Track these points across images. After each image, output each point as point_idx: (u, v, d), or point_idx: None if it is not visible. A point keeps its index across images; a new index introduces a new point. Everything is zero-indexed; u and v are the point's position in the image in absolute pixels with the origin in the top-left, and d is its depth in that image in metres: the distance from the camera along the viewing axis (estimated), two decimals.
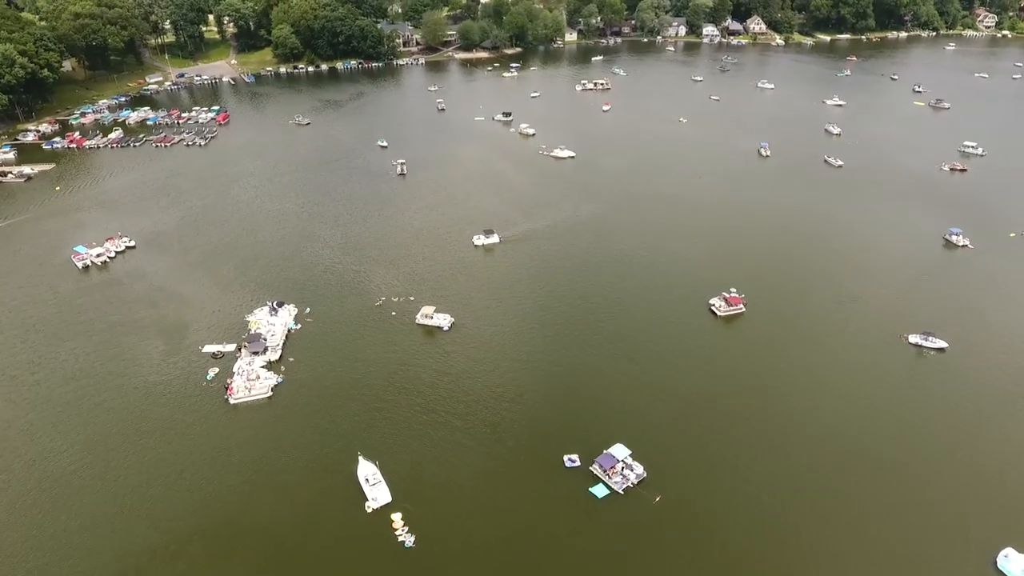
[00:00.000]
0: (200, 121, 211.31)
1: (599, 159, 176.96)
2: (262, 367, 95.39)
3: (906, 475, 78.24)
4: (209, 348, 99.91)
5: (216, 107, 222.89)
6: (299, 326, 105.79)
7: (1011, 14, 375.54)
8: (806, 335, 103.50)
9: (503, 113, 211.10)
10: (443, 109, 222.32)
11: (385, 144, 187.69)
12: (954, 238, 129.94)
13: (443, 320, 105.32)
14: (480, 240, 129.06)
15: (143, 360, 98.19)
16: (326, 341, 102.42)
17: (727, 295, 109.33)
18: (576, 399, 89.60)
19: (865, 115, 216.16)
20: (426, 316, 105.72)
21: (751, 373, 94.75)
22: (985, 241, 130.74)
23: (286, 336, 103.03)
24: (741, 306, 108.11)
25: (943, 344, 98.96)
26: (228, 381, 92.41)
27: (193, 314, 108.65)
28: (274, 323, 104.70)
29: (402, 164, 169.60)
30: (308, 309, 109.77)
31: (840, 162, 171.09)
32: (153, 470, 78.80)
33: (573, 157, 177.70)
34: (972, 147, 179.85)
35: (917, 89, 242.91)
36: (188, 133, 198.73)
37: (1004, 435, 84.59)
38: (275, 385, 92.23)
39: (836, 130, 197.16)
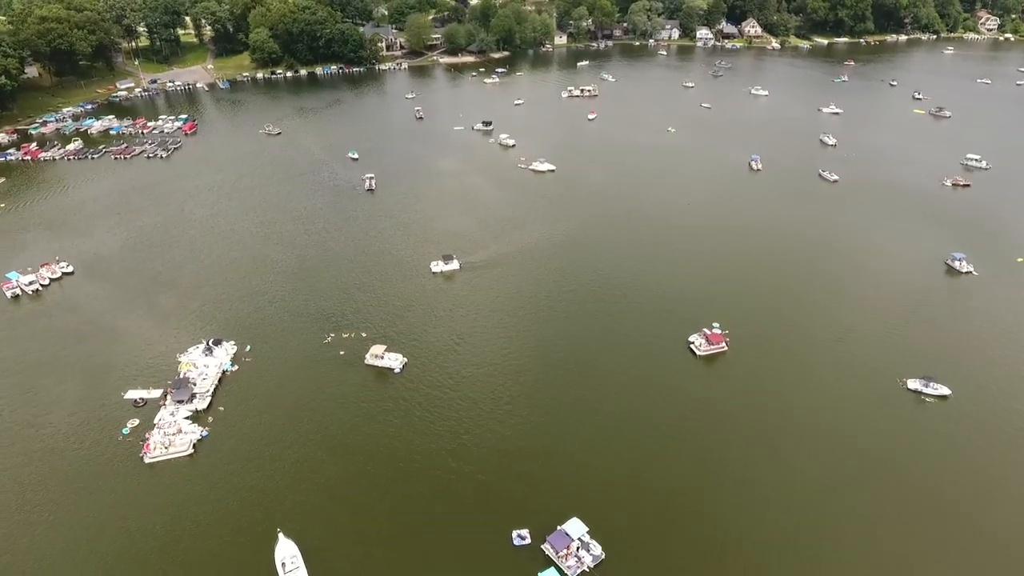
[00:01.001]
0: (165, 131, 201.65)
1: (580, 173, 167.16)
2: (186, 418, 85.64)
3: (905, 539, 68.40)
4: (132, 394, 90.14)
5: (184, 116, 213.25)
6: (236, 368, 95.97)
7: (1014, 16, 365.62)
8: (793, 379, 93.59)
9: (483, 122, 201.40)
10: (421, 118, 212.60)
11: (356, 156, 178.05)
12: (957, 264, 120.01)
13: (394, 361, 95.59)
14: (438, 267, 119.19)
15: (57, 407, 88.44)
16: (264, 386, 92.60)
17: (708, 332, 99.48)
18: (533, 460, 79.63)
19: (862, 124, 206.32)
20: (376, 356, 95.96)
21: (731, 427, 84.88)
22: (991, 267, 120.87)
23: (219, 380, 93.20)
24: (723, 344, 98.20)
25: (945, 391, 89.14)
26: (146, 435, 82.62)
27: (121, 353, 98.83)
28: (208, 364, 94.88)
29: (371, 179, 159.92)
30: (248, 347, 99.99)
31: (835, 176, 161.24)
32: (40, 548, 68.90)
33: (553, 171, 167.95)
34: (975, 160, 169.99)
35: (917, 96, 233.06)
36: (150, 144, 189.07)
37: (1017, 497, 74.71)
38: (198, 440, 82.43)
39: (831, 141, 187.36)
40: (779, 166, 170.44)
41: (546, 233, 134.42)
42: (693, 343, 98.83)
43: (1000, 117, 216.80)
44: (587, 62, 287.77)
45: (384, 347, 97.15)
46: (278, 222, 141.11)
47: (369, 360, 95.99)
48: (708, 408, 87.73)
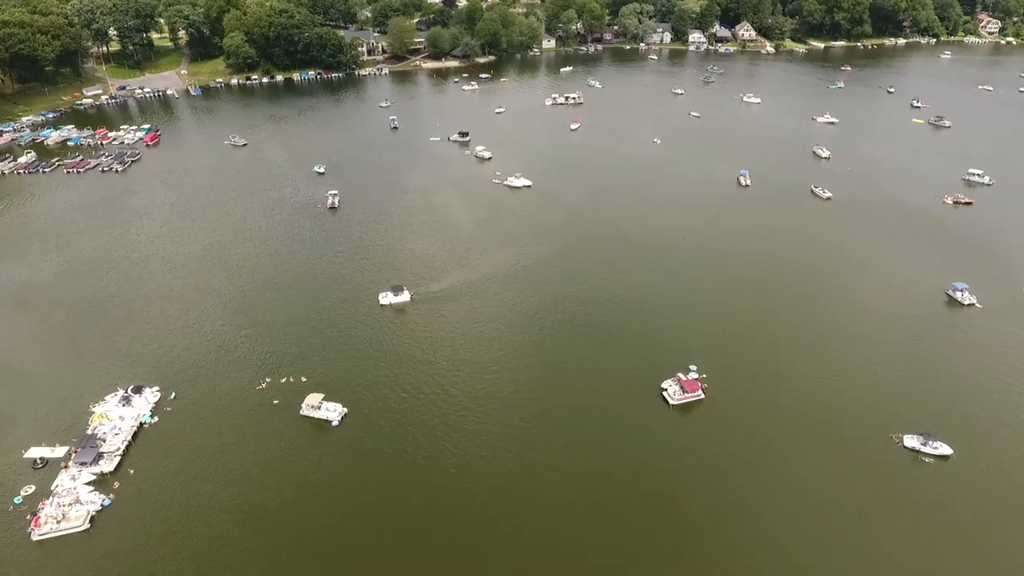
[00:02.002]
0: (126, 142, 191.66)
1: (558, 189, 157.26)
2: (88, 483, 75.72)
3: None
4: (34, 452, 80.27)
5: (147, 126, 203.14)
6: (155, 419, 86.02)
7: (1015, 19, 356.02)
8: (777, 434, 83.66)
9: (459, 133, 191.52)
10: (396, 127, 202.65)
11: (322, 170, 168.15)
12: (959, 295, 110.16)
13: (333, 412, 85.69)
14: (387, 299, 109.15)
15: None
16: (184, 441, 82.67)
17: (683, 377, 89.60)
18: (490, 538, 69.79)
19: (858, 134, 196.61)
20: (312, 407, 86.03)
21: (706, 493, 75.09)
22: (996, 299, 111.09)
23: (135, 434, 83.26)
24: (699, 392, 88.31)
25: (946, 451, 79.37)
26: (40, 505, 72.68)
27: (28, 402, 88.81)
28: (123, 416, 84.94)
29: (334, 196, 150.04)
30: (173, 394, 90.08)
31: (828, 194, 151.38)
32: None
33: (529, 186, 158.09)
34: (978, 175, 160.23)
35: (915, 104, 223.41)
36: (107, 157, 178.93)
37: None
38: (97, 511, 72.49)
39: (825, 153, 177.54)
40: (769, 181, 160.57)
41: (515, 258, 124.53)
42: (666, 391, 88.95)
43: (1002, 127, 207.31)
44: (571, 68, 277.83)
45: (322, 396, 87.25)
46: (228, 245, 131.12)
47: (305, 411, 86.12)
48: (675, 475, 77.77)
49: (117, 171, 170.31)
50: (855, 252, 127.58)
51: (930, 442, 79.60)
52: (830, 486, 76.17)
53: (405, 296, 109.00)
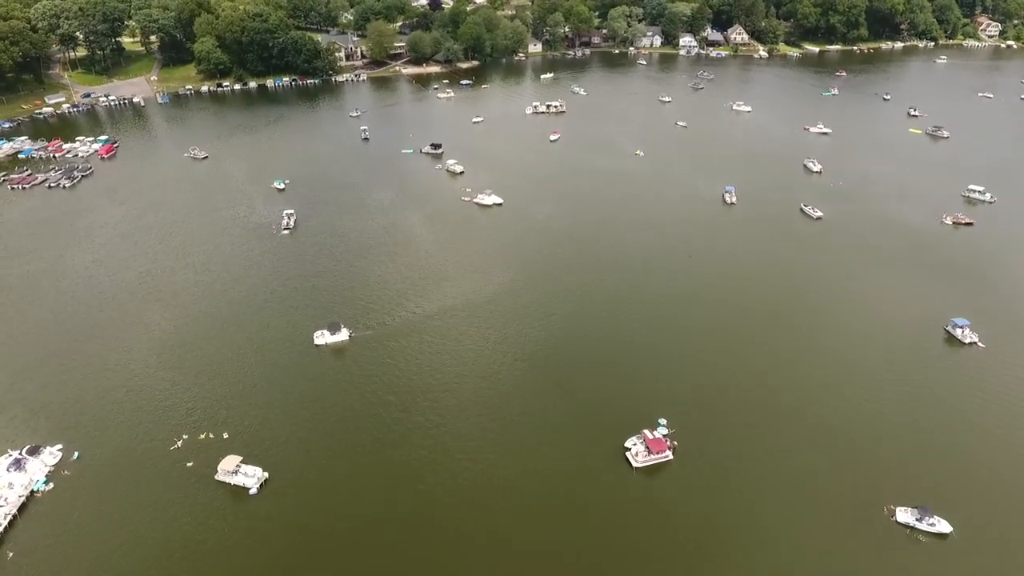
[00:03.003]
0: (80, 154, 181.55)
1: (531, 207, 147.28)
2: None
3: None
4: None
5: (104, 137, 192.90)
6: (50, 486, 76.01)
7: (1016, 22, 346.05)
8: (753, 500, 73.79)
9: (431, 145, 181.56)
10: (367, 138, 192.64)
11: (283, 186, 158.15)
12: (959, 333, 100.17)
13: (251, 478, 75.71)
14: (322, 338, 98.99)
15: None
16: (80, 514, 72.71)
17: (649, 435, 79.63)
18: None
19: (852, 146, 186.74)
20: (228, 471, 76.02)
21: None
22: (1000, 337, 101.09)
23: (24, 505, 73.21)
24: (667, 452, 78.38)
25: (944, 528, 69.47)
26: None
27: None
28: (13, 484, 74.89)
29: (291, 216, 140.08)
30: (76, 454, 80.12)
31: (819, 213, 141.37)
32: None
33: (500, 204, 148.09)
34: (978, 192, 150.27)
35: (912, 113, 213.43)
36: (56, 171, 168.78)
37: None
38: None
39: (817, 167, 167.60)
40: (756, 199, 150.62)
41: (477, 287, 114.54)
42: (630, 450, 78.96)
43: (1003, 137, 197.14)
44: (552, 75, 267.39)
45: (239, 459, 77.24)
46: (169, 272, 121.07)
47: (220, 476, 76.15)
48: (635, 555, 67.74)
49: (65, 187, 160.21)
50: (846, 281, 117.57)
51: (926, 518, 69.65)
52: (813, 568, 66.20)
53: (343, 335, 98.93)
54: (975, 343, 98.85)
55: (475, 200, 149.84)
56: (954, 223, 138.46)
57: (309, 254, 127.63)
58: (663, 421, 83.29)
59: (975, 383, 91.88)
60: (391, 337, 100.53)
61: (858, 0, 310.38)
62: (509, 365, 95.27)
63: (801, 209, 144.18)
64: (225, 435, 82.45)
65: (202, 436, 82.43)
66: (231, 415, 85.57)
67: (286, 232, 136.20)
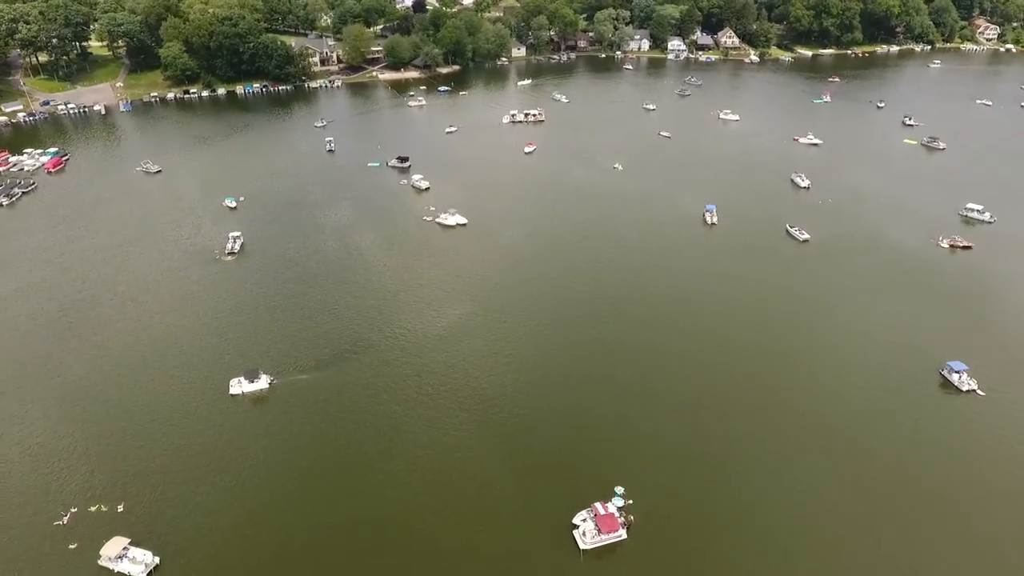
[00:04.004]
0: (26, 168, 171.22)
1: (497, 228, 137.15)
2: None
3: None
4: None
5: (53, 149, 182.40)
6: None
7: (1015, 25, 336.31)
8: None
9: (398, 158, 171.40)
10: (332, 150, 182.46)
11: (235, 204, 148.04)
12: (956, 378, 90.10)
13: (138, 564, 65.60)
14: (238, 387, 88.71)
15: None
16: None
17: (601, 509, 69.55)
18: None
19: (843, 158, 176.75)
20: (111, 558, 65.82)
21: None
22: (1001, 382, 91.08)
23: None
24: (620, 531, 68.24)
25: None
26: None
27: None
28: None
29: (237, 239, 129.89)
30: None
31: (805, 235, 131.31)
32: None
33: (464, 225, 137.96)
34: (977, 211, 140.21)
35: (908, 122, 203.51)
36: None
37: None
38: None
39: (805, 182, 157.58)
40: (739, 218, 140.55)
41: (425, 325, 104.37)
42: (578, 528, 68.77)
43: (1003, 149, 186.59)
44: (530, 81, 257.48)
45: (127, 541, 67.17)
46: (94, 303, 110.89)
47: (104, 561, 65.99)
48: None
49: (2, 205, 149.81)
50: (831, 315, 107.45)
51: None
52: None
53: (262, 383, 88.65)
54: (973, 391, 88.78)
55: (437, 220, 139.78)
56: (951, 246, 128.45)
57: (250, 283, 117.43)
58: (620, 490, 73.23)
59: (974, 440, 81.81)
60: (321, 384, 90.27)
61: (852, 3, 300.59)
62: (453, 418, 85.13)
63: (787, 230, 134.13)
64: (120, 507, 72.32)
65: (93, 508, 72.29)
66: (130, 481, 75.39)
67: (230, 258, 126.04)
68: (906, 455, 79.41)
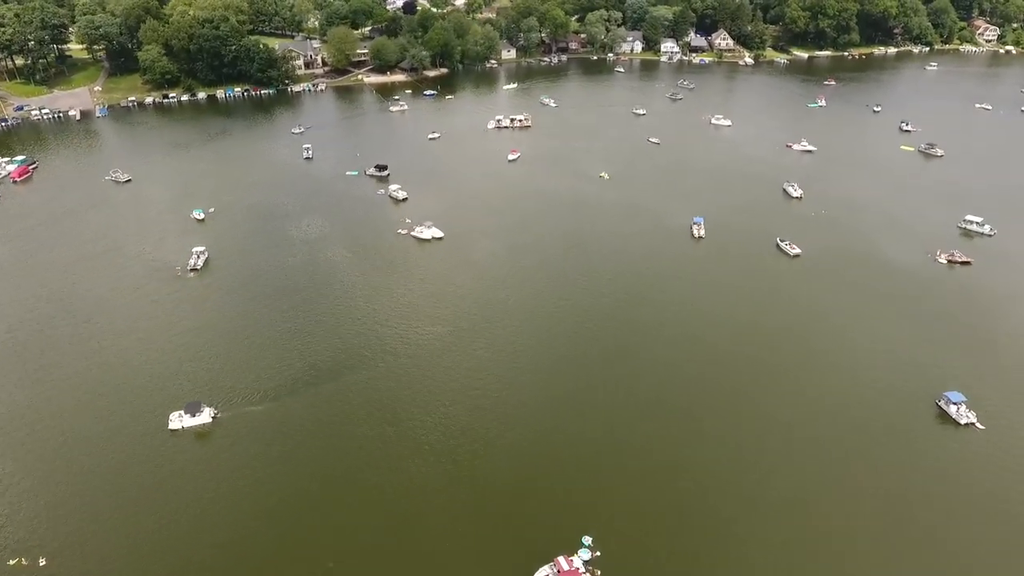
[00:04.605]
0: None
1: (474, 242, 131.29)
2: None
3: None
4: None
5: (20, 157, 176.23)
6: None
7: (1015, 26, 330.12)
8: None
9: (376, 166, 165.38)
10: (310, 157, 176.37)
11: (202, 216, 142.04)
12: (953, 410, 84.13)
13: None
14: (179, 421, 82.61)
15: None
16: None
17: (565, 564, 63.64)
18: None
19: (837, 166, 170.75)
20: None
21: None
22: (1002, 414, 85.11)
23: None
24: None
25: None
26: None
27: None
28: None
29: (201, 254, 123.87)
30: None
31: (796, 250, 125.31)
32: None
33: (440, 239, 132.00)
34: (976, 223, 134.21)
35: (905, 127, 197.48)
36: None
37: None
38: None
39: (797, 192, 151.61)
40: (728, 231, 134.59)
41: (390, 349, 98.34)
42: None
43: (1003, 157, 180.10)
44: (516, 85, 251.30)
45: None
46: (45, 324, 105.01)
47: None
48: None
49: None
50: (821, 338, 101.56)
51: None
52: None
53: (204, 417, 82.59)
54: (972, 424, 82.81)
55: (413, 233, 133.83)
56: (949, 262, 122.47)
57: (210, 302, 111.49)
58: (588, 540, 67.38)
59: (974, 481, 75.80)
60: (272, 416, 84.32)
61: (849, 4, 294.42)
62: (415, 454, 79.38)
63: (777, 244, 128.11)
64: (42, 561, 66.44)
65: (13, 562, 66.31)
66: (56, 530, 69.44)
67: (192, 274, 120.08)
68: (899, 497, 73.47)
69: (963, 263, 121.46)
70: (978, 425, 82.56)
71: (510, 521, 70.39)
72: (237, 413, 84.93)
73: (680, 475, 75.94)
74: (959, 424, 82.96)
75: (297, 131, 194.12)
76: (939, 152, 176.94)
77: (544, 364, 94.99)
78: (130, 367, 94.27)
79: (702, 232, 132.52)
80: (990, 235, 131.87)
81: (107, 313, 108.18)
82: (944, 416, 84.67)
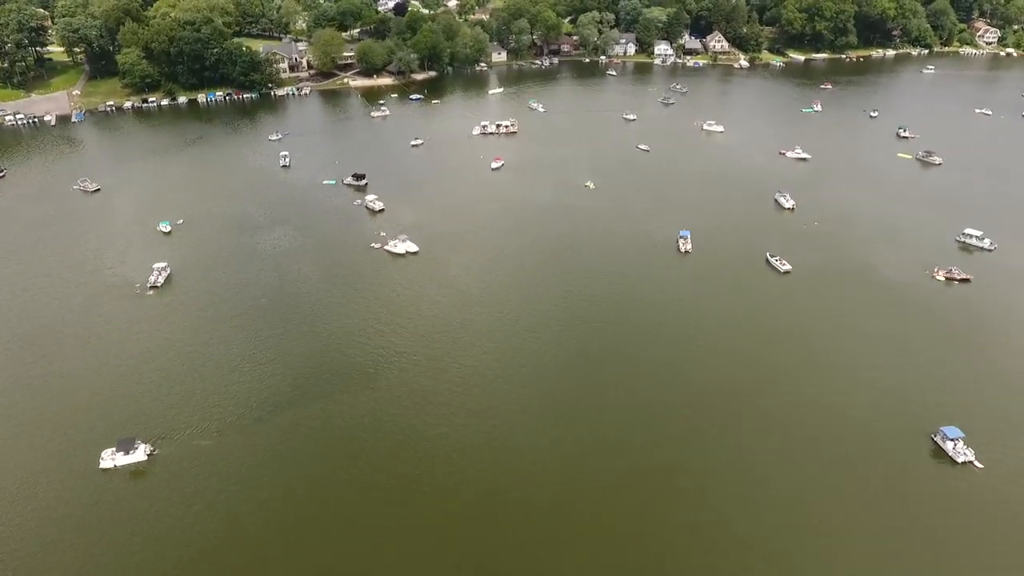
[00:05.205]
0: None
1: (449, 258, 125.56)
2: None
3: None
4: None
5: None
6: None
7: (1016, 28, 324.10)
8: None
9: (354, 176, 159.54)
10: (287, 165, 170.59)
11: (168, 228, 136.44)
12: (949, 447, 78.29)
13: None
14: (111, 460, 76.59)
15: None
16: None
17: None
18: None
19: (832, 175, 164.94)
20: None
21: None
22: (1002, 451, 79.25)
23: None
24: None
25: None
26: None
27: None
28: None
29: (162, 270, 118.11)
30: None
31: (787, 266, 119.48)
32: None
33: (415, 253, 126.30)
34: (976, 237, 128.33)
35: (902, 134, 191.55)
36: None
37: None
38: None
39: (789, 203, 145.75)
40: (716, 245, 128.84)
41: (353, 376, 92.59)
42: None
43: (1004, 165, 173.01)
44: (502, 89, 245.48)
45: None
46: None
47: None
48: None
49: None
50: (810, 362, 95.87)
51: None
52: None
53: (139, 455, 76.69)
54: (971, 462, 76.96)
55: (386, 247, 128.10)
56: (947, 279, 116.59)
57: (167, 323, 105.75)
58: None
59: (972, 528, 69.88)
60: (216, 452, 78.56)
61: (846, 5, 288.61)
62: (369, 504, 73.42)
63: (767, 260, 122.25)
64: None
65: None
66: None
67: (151, 292, 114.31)
68: (890, 543, 67.56)
69: (962, 280, 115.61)
70: (976, 464, 76.70)
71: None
72: (181, 449, 79.17)
73: (662, 507, 70.08)
74: (956, 462, 77.09)
75: (274, 138, 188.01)
76: (937, 160, 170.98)
77: (511, 399, 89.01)
78: (70, 397, 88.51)
79: (688, 246, 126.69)
80: (990, 250, 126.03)
81: (55, 336, 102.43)
82: (940, 452, 78.81)
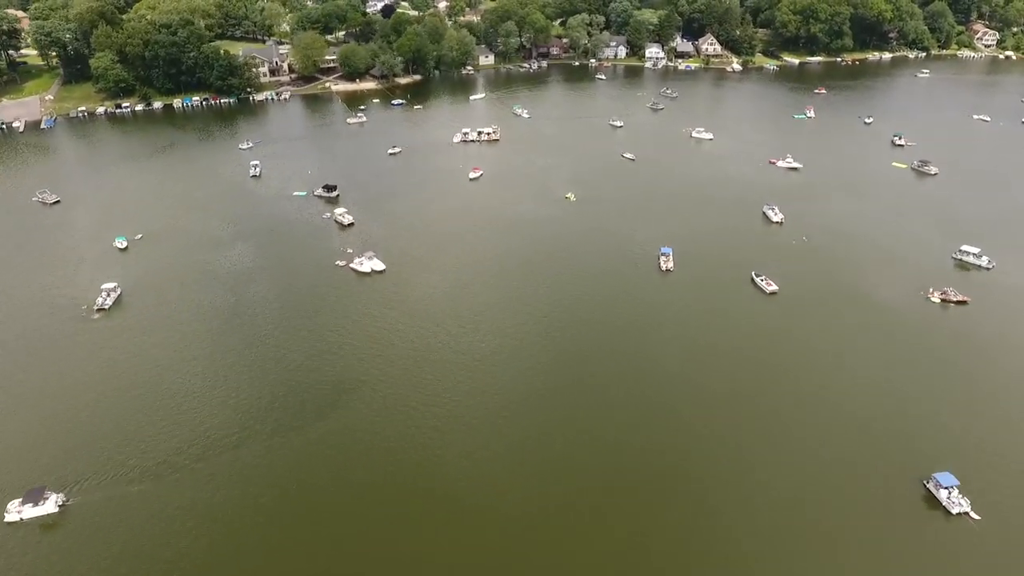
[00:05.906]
0: None
1: (417, 277, 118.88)
2: None
3: None
4: None
5: None
6: None
7: (1015, 30, 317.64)
8: None
9: (325, 187, 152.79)
10: (257, 175, 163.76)
11: (125, 244, 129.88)
12: (943, 495, 71.60)
13: None
14: (16, 514, 69.57)
15: None
16: None
17: None
18: None
19: (823, 186, 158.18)
20: None
21: None
22: (1000, 500, 72.42)
23: None
24: None
25: None
26: None
27: None
28: None
29: (111, 291, 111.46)
30: None
31: (773, 286, 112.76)
32: None
33: (382, 272, 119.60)
34: (973, 255, 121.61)
35: (897, 141, 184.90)
36: None
37: None
38: None
39: (778, 216, 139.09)
40: (699, 263, 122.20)
41: (305, 410, 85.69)
42: None
43: (1003, 176, 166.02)
44: (484, 95, 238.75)
45: None
46: None
47: None
48: None
49: None
50: (794, 399, 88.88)
51: None
52: None
53: (49, 505, 69.83)
54: (966, 513, 70.26)
55: (352, 265, 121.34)
56: (943, 300, 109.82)
57: (109, 349, 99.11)
58: None
59: None
60: (142, 500, 71.82)
61: (842, 7, 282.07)
62: (316, 552, 66.60)
63: (752, 279, 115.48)
64: None
65: None
66: None
67: (98, 315, 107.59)
68: None
69: (958, 302, 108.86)
70: (972, 515, 70.04)
71: None
72: (104, 496, 72.49)
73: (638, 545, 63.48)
74: (950, 513, 70.35)
75: (245, 146, 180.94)
76: (933, 170, 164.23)
77: (475, 444, 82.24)
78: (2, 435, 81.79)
79: (670, 264, 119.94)
80: (988, 268, 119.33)
81: None
82: (932, 501, 72.08)
